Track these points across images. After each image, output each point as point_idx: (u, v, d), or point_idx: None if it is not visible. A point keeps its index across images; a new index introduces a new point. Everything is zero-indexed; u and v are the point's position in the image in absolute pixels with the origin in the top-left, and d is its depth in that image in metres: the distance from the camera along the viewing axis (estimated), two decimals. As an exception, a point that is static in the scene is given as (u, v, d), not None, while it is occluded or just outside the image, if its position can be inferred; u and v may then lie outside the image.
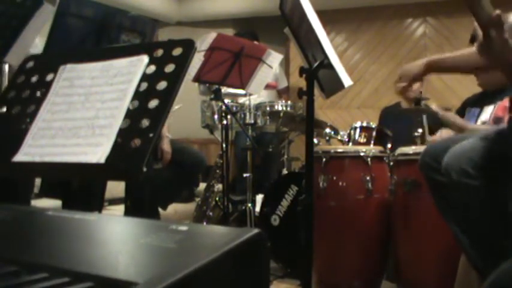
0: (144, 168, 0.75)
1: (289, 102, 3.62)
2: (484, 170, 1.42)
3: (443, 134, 2.63)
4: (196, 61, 2.84)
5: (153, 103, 0.81)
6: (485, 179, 1.43)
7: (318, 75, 1.86)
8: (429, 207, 1.91)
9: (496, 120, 2.48)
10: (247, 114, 3.53)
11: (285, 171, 3.71)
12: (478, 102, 2.77)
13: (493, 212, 1.46)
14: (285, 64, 5.89)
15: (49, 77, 0.96)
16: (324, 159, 2.56)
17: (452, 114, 2.62)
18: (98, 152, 0.80)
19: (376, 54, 5.81)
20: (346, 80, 1.94)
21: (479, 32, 1.24)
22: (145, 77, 0.85)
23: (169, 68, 0.84)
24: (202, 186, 4.20)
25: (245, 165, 3.69)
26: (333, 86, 1.94)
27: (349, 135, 3.02)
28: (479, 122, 2.62)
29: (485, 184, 1.43)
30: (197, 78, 2.97)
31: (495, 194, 1.44)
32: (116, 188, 3.60)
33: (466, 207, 1.51)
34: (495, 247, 1.47)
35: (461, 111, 2.90)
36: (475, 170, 1.43)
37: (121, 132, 0.81)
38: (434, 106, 2.62)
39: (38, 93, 0.94)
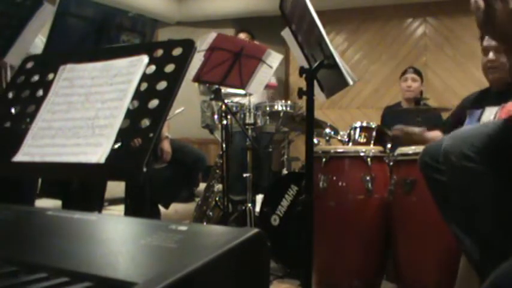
0: (144, 168, 0.75)
1: (289, 102, 3.63)
2: (486, 156, 1.40)
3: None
4: (196, 61, 2.84)
5: (153, 103, 0.81)
6: (487, 165, 1.40)
7: (317, 75, 1.86)
8: (429, 207, 1.90)
9: None
10: (247, 114, 3.54)
11: (285, 171, 3.71)
12: (478, 102, 2.75)
13: (494, 201, 1.42)
14: (285, 64, 5.88)
15: (49, 77, 0.95)
16: (323, 159, 2.56)
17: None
18: (98, 152, 0.80)
19: (376, 54, 5.81)
20: (350, 78, 1.92)
21: (481, 4, 1.19)
22: (145, 77, 0.85)
23: (169, 68, 0.84)
24: (202, 186, 4.20)
25: (243, 165, 3.69)
26: (334, 85, 1.93)
27: (349, 135, 3.03)
28: (481, 123, 2.61)
29: (487, 170, 1.40)
30: (197, 78, 2.97)
31: (497, 182, 1.41)
32: (116, 188, 3.60)
33: (466, 197, 1.48)
34: (496, 247, 1.46)
35: (460, 112, 2.88)
36: (476, 154, 1.40)
37: (121, 132, 0.81)
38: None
39: (38, 93, 0.94)
